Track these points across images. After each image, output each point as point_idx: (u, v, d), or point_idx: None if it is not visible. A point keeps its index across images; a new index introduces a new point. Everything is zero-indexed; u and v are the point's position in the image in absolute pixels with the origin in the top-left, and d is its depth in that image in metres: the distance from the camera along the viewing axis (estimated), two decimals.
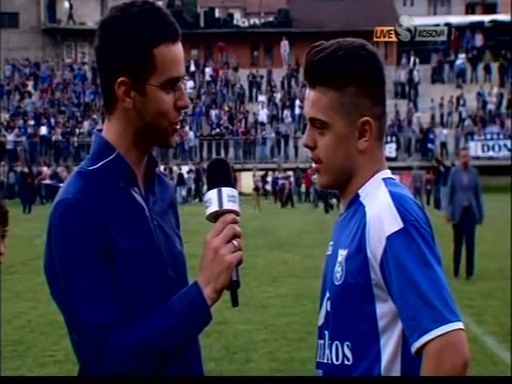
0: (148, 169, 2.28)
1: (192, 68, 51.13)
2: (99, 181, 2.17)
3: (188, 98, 2.22)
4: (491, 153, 44.42)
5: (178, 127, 2.23)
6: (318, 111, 2.20)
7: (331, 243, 2.27)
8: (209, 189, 2.15)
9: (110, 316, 2.07)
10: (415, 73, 49.83)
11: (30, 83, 51.05)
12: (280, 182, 36.95)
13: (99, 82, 2.25)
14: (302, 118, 45.08)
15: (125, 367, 2.05)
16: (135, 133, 2.20)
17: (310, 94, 2.23)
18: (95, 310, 2.06)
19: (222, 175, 2.16)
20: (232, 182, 2.16)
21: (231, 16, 58.29)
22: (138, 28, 2.14)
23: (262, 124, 47.00)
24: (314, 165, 2.26)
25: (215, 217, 2.13)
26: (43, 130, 45.51)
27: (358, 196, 2.21)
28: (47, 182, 38.91)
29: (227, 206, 2.12)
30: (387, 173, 2.25)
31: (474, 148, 44.54)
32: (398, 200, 2.11)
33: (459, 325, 1.99)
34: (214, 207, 2.12)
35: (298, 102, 46.74)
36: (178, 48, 2.19)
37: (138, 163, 2.24)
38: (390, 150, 42.04)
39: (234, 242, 2.10)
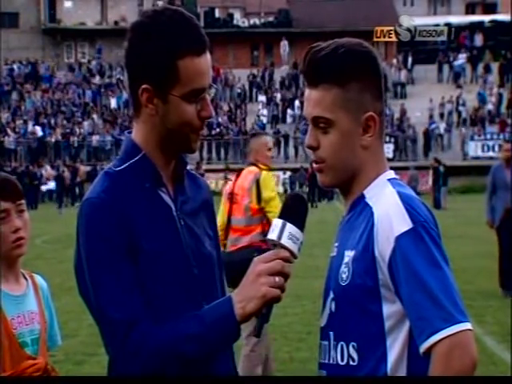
0: (177, 169, 2.29)
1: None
2: (125, 181, 2.20)
3: (212, 108, 2.23)
4: (491, 153, 44.39)
5: (200, 134, 2.24)
6: (323, 109, 2.19)
7: (336, 244, 2.25)
8: (279, 216, 2.15)
9: (134, 312, 2.08)
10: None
11: (30, 83, 51.04)
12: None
13: (127, 86, 2.27)
14: (301, 118, 45.11)
15: (147, 365, 2.06)
16: (160, 137, 2.22)
17: (311, 93, 2.22)
18: (119, 306, 2.08)
19: (295, 213, 2.15)
20: (301, 225, 2.14)
21: (231, 16, 58.29)
22: (164, 38, 2.15)
23: (263, 125, 47.00)
24: (315, 165, 2.25)
25: (274, 245, 2.13)
26: (39, 132, 45.49)
27: (363, 197, 2.20)
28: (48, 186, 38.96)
29: (285, 242, 2.11)
30: (391, 173, 2.25)
31: (474, 148, 44.56)
32: (406, 200, 2.10)
33: (468, 325, 2.00)
34: (272, 235, 2.13)
35: (297, 103, 46.76)
36: (205, 60, 2.19)
37: (166, 165, 2.26)
38: (388, 150, 42.02)
39: (277, 278, 2.09)
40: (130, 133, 2.29)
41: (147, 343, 2.06)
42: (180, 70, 2.15)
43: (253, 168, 7.30)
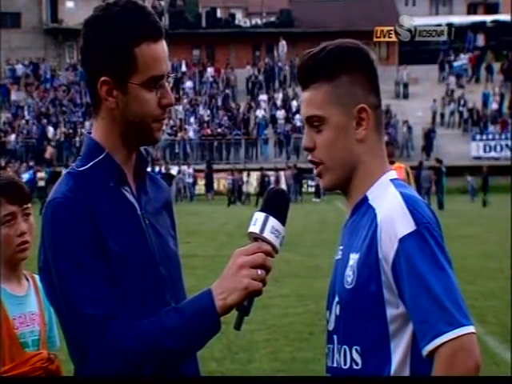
0: (138, 168, 2.29)
1: (194, 68, 51.20)
2: (89, 181, 2.18)
3: (172, 96, 2.23)
4: (493, 153, 44.36)
5: (163, 123, 2.24)
6: (314, 107, 2.19)
7: (341, 247, 2.24)
8: (261, 210, 2.13)
9: (110, 306, 2.07)
10: None
11: (32, 83, 51.01)
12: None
13: (86, 82, 2.26)
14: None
15: (127, 360, 2.04)
16: (121, 132, 2.21)
17: (304, 95, 2.23)
18: (95, 301, 2.06)
19: (278, 208, 2.14)
20: (283, 219, 2.14)
21: (233, 16, 58.27)
22: (118, 27, 2.15)
23: (263, 124, 46.95)
24: (315, 171, 2.24)
25: (255, 238, 2.11)
26: (51, 130, 45.55)
27: (366, 199, 2.19)
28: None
29: (267, 235, 2.10)
30: (393, 173, 2.24)
31: (476, 148, 44.52)
32: (409, 202, 2.09)
33: (471, 328, 1.98)
34: (255, 228, 2.11)
35: (294, 103, 46.72)
36: (161, 46, 2.19)
37: (128, 162, 2.25)
38: None
39: (259, 271, 2.08)
40: (89, 133, 2.28)
41: (127, 337, 2.04)
42: (137, 57, 2.15)
43: (397, 164, 11.73)
